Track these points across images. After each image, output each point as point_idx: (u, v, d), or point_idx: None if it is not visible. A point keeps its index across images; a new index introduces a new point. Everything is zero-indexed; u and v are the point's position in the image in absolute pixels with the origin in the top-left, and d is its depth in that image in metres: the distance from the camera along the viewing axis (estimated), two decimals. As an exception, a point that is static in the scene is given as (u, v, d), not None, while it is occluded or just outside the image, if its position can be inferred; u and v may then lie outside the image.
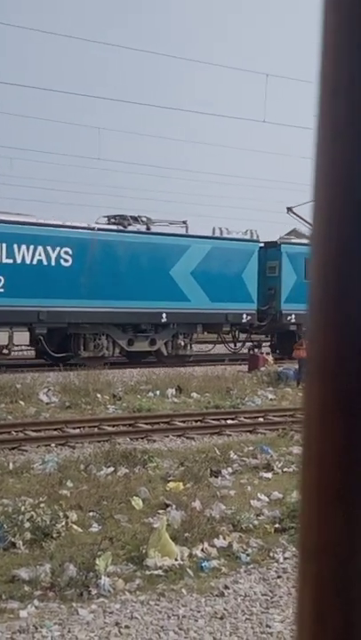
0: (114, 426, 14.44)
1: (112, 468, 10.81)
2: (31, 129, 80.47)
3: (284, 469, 11.40)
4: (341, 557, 0.56)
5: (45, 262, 22.74)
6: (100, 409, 16.60)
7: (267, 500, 9.70)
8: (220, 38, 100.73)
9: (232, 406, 17.23)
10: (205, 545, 7.82)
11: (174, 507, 8.92)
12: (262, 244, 28.22)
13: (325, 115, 0.58)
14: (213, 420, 15.44)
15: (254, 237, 28.30)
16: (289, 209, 30.38)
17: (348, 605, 0.56)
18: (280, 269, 27.99)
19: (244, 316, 26.94)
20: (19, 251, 22.29)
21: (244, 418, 15.77)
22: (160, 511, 8.90)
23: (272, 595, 6.78)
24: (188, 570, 7.23)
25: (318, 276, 0.58)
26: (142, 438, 13.61)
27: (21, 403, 16.65)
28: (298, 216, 30.10)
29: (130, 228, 24.90)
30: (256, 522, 8.62)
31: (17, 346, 23.59)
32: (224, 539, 8.01)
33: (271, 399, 19.05)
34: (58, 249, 22.91)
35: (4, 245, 22.08)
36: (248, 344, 28.97)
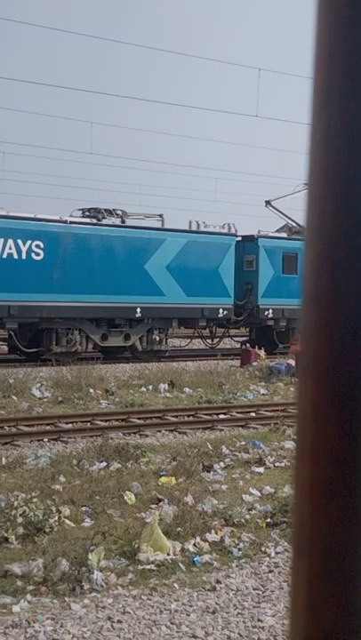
0: (106, 421, 14.45)
1: (105, 463, 10.82)
2: (23, 123, 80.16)
3: (276, 464, 11.43)
4: (335, 553, 0.56)
5: (16, 256, 22.30)
6: (92, 404, 16.60)
7: (259, 494, 9.72)
8: (213, 33, 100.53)
9: (224, 401, 17.25)
10: (197, 539, 7.83)
11: (167, 501, 8.93)
12: (239, 238, 27.86)
13: (319, 110, 0.58)
14: (206, 414, 15.46)
15: (232, 231, 27.93)
16: (267, 202, 29.95)
17: (341, 600, 0.56)
18: (257, 264, 27.73)
19: (221, 310, 26.65)
20: None
21: (237, 412, 15.80)
22: (152, 506, 8.92)
23: (264, 589, 6.80)
24: (180, 564, 7.25)
25: (312, 269, 0.58)
26: (135, 433, 13.62)
27: (14, 397, 16.63)
28: (276, 209, 29.97)
29: (104, 222, 24.64)
30: (248, 516, 8.64)
31: None
32: (216, 533, 8.03)
33: (263, 394, 19.08)
34: (29, 242, 22.47)
35: None
36: (243, 339, 29.00)
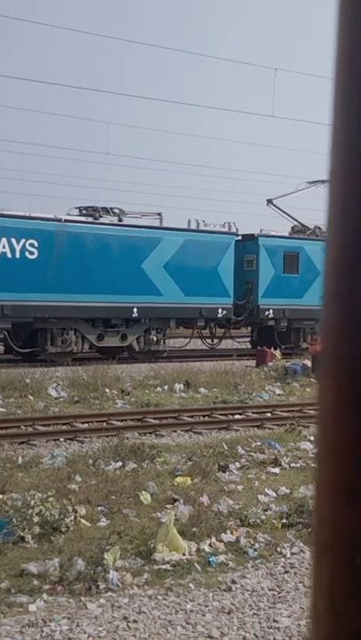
0: (122, 420, 14.47)
1: (120, 463, 10.83)
2: (40, 123, 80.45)
3: (292, 465, 11.40)
4: (355, 551, 0.55)
5: (9, 255, 22.00)
6: (108, 404, 16.63)
7: (274, 495, 9.70)
8: (229, 33, 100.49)
9: (240, 401, 17.22)
10: (213, 540, 7.82)
11: (182, 501, 8.93)
12: (239, 237, 27.41)
13: (341, 110, 0.58)
14: (221, 414, 15.44)
15: (232, 230, 27.51)
16: (269, 201, 29.58)
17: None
18: (258, 263, 27.31)
19: (220, 310, 26.22)
20: None
21: (252, 413, 15.77)
22: (168, 506, 8.92)
23: (279, 590, 6.78)
24: (195, 564, 7.24)
25: (333, 267, 0.57)
26: (150, 433, 13.63)
27: (30, 397, 16.69)
28: (278, 208, 29.72)
29: (101, 220, 24.33)
30: (264, 517, 8.62)
31: None
32: (232, 533, 8.02)
33: (279, 394, 19.04)
34: (23, 241, 22.18)
35: None
36: (246, 339, 28.79)
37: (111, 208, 25.25)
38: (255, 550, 7.69)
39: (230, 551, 7.66)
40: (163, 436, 13.51)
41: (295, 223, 30.20)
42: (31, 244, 22.38)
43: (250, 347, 29.06)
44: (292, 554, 7.64)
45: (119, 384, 18.36)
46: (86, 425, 13.93)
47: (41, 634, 5.69)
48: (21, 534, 7.60)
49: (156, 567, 7.12)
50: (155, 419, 14.68)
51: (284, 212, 29.68)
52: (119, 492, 9.25)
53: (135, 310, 24.20)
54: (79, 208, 24.89)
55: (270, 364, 23.15)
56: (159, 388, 18.51)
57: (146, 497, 9.17)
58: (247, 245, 27.37)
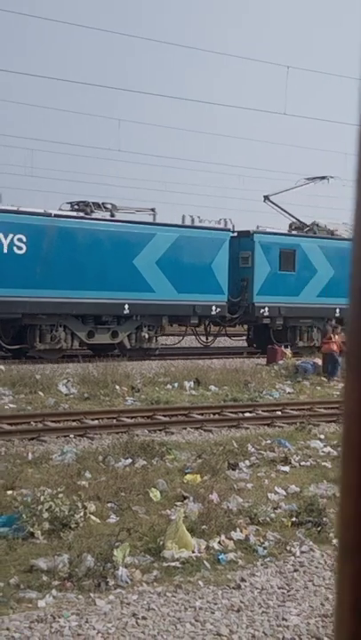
0: (132, 417, 14.47)
1: (130, 460, 10.84)
2: (51, 120, 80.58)
3: (302, 463, 11.38)
4: None
5: None
6: (118, 400, 16.64)
7: (284, 493, 9.69)
8: (241, 30, 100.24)
9: (250, 399, 17.21)
10: (222, 537, 7.82)
11: (192, 499, 8.93)
12: (235, 234, 27.02)
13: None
14: (231, 412, 15.43)
15: (228, 226, 26.98)
16: (266, 197, 29.15)
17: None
18: (253, 260, 26.80)
19: (214, 307, 25.72)
20: None
21: (262, 411, 15.75)
22: (177, 503, 8.92)
23: (289, 588, 6.77)
24: (204, 562, 7.24)
25: (360, 268, 0.56)
26: (160, 430, 13.63)
27: (41, 393, 16.73)
28: (275, 204, 29.28)
29: (93, 215, 24.00)
30: (273, 515, 8.61)
31: None
32: (241, 531, 8.02)
33: (289, 392, 19.01)
34: (11, 236, 21.79)
35: None
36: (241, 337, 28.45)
37: (103, 203, 24.84)
38: (265, 548, 7.68)
39: (240, 549, 7.66)
40: (173, 433, 13.51)
41: (294, 220, 29.86)
42: (19, 239, 21.94)
43: (246, 345, 28.86)
44: (302, 552, 7.63)
45: (129, 381, 18.37)
46: (96, 422, 13.95)
47: (50, 629, 5.70)
48: (31, 530, 7.62)
49: (165, 564, 7.12)
50: (165, 416, 14.68)
51: (281, 209, 29.32)
52: (129, 489, 9.26)
53: (126, 307, 23.81)
54: (71, 203, 24.56)
55: (281, 362, 23.11)
56: (169, 386, 18.52)
57: (155, 494, 9.17)
58: (243, 242, 26.94)
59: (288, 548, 7.74)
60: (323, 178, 30.06)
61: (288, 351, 24.80)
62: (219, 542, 7.72)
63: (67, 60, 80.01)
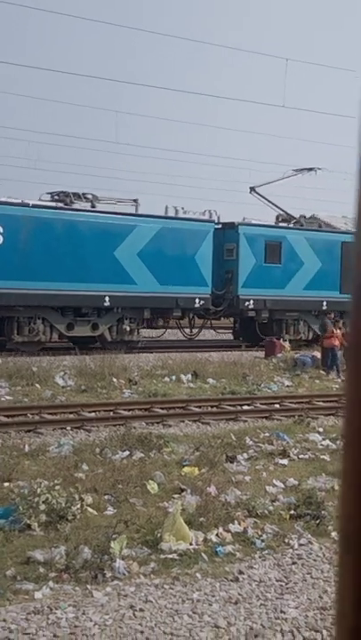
0: (129, 410, 14.46)
1: (127, 452, 10.83)
2: (48, 112, 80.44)
3: (300, 456, 11.38)
4: None
5: None
6: (115, 393, 16.63)
7: (282, 486, 9.68)
8: (240, 23, 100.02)
9: (248, 392, 17.20)
10: (220, 530, 7.81)
11: (189, 491, 8.92)
12: (219, 225, 26.52)
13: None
14: (229, 405, 15.42)
15: (213, 218, 26.48)
16: (252, 188, 28.64)
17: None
18: (238, 252, 26.26)
19: (197, 300, 25.23)
20: None
21: (260, 404, 15.74)
22: (175, 495, 8.91)
23: (287, 581, 6.76)
24: (202, 554, 7.23)
25: None
26: (158, 423, 13.62)
27: (37, 386, 16.71)
28: (261, 196, 28.66)
29: (74, 206, 23.61)
30: (271, 508, 8.60)
31: None
32: (239, 524, 8.00)
33: (288, 386, 19.01)
34: None
35: None
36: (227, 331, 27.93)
37: (84, 194, 24.45)
38: (263, 541, 7.67)
39: (238, 542, 7.64)
40: (170, 426, 13.50)
41: (282, 212, 29.29)
42: None
43: (232, 338, 28.50)
44: (300, 545, 7.62)
45: (127, 373, 18.36)
46: (93, 414, 13.93)
47: (47, 621, 5.69)
48: (28, 522, 7.60)
49: (162, 556, 7.10)
50: (162, 409, 14.66)
51: (268, 200, 28.89)
52: (126, 482, 9.24)
53: (107, 299, 23.34)
54: (51, 193, 24.09)
55: (279, 355, 23.11)
56: (167, 378, 18.51)
57: (153, 486, 9.16)
58: (227, 234, 26.44)
59: (286, 540, 7.73)
60: (310, 169, 29.76)
61: (287, 344, 24.77)
62: (217, 535, 7.70)
63: (68, 53, 79.80)
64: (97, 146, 76.31)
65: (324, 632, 5.81)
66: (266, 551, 7.46)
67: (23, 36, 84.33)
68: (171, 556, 7.12)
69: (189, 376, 18.76)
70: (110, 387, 17.02)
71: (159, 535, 7.40)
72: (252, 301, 26.30)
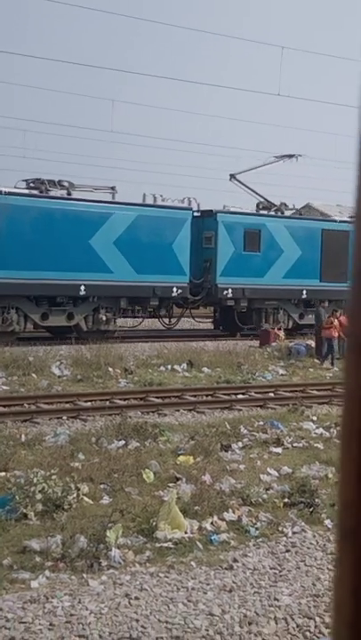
0: (125, 399, 14.49)
1: (123, 442, 10.86)
2: (44, 100, 79.96)
3: (294, 444, 11.43)
4: None
5: None
6: (111, 382, 16.66)
7: (276, 474, 9.73)
8: (235, 10, 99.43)
9: (243, 381, 17.24)
10: (215, 518, 7.86)
11: (184, 480, 8.96)
12: (198, 213, 26.24)
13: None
14: (224, 394, 15.46)
15: (192, 206, 26.20)
16: (232, 176, 28.27)
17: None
18: (216, 240, 25.91)
19: (175, 289, 24.88)
20: None
21: (255, 393, 15.79)
22: (170, 484, 8.95)
23: (281, 568, 6.82)
24: (197, 543, 7.28)
25: None
26: (153, 412, 13.66)
27: (34, 375, 16.72)
28: (241, 183, 28.25)
29: (50, 194, 23.29)
30: (265, 496, 8.65)
31: None
32: (233, 512, 8.05)
33: (282, 374, 19.05)
34: None
35: None
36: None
37: (59, 181, 23.98)
38: (257, 529, 7.72)
39: (232, 530, 7.69)
40: (165, 415, 13.53)
41: (262, 199, 28.98)
42: None
43: (212, 327, 28.34)
44: (294, 533, 7.67)
45: (122, 363, 18.38)
46: (89, 403, 13.96)
47: (43, 610, 5.73)
48: (24, 511, 7.63)
49: (157, 545, 7.15)
50: (158, 398, 14.70)
51: (248, 188, 28.53)
52: (122, 471, 9.28)
53: (82, 288, 22.99)
54: (26, 181, 23.60)
55: (274, 344, 23.14)
56: (162, 368, 18.54)
57: (148, 475, 9.20)
58: (206, 222, 26.11)
59: (280, 528, 7.78)
60: (291, 156, 29.45)
61: (281, 333, 24.77)
62: (211, 523, 7.75)
63: (65, 42, 79.26)
64: (93, 135, 75.89)
65: (318, 619, 5.87)
66: (260, 539, 7.51)
67: (20, 25, 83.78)
68: (166, 545, 7.16)
69: (184, 365, 18.79)
70: (106, 376, 17.05)
71: (154, 524, 7.44)
72: (230, 290, 25.97)
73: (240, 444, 11.29)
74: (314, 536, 7.61)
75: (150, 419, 12.96)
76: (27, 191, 23.04)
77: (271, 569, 6.80)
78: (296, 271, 27.36)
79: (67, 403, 13.99)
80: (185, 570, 6.65)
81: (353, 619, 0.54)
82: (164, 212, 25.07)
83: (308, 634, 5.71)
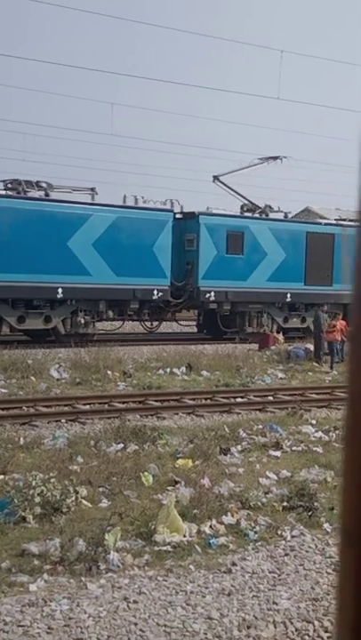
0: (124, 402, 14.48)
1: (122, 445, 10.85)
2: (43, 104, 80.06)
3: (293, 448, 11.42)
4: None
5: None
6: (110, 386, 16.64)
7: (275, 478, 9.72)
8: (235, 14, 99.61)
9: (242, 385, 17.23)
10: (214, 522, 7.85)
11: (183, 483, 8.95)
12: (180, 215, 25.83)
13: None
14: (223, 398, 15.45)
15: (175, 207, 25.81)
16: (215, 177, 27.85)
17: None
18: (198, 242, 25.46)
19: (155, 292, 24.51)
20: None
21: (254, 396, 15.78)
22: (169, 488, 8.94)
23: (279, 572, 6.81)
24: (196, 546, 7.27)
25: None
26: (152, 415, 13.64)
27: (32, 378, 16.71)
28: (225, 185, 27.87)
29: (28, 194, 22.97)
30: (264, 500, 8.64)
31: None
32: (232, 516, 8.04)
33: (281, 378, 19.05)
34: None
35: None
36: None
37: (37, 182, 23.61)
38: (256, 533, 7.71)
39: (231, 533, 7.68)
40: (164, 418, 13.52)
41: (247, 201, 28.61)
42: None
43: (196, 330, 27.99)
44: (293, 537, 7.66)
45: (121, 366, 18.37)
46: (88, 407, 13.94)
47: (41, 613, 5.72)
48: (23, 514, 7.62)
49: (156, 548, 7.14)
50: (157, 401, 14.69)
51: (232, 189, 28.18)
52: (120, 474, 9.27)
53: (60, 291, 22.57)
54: (3, 181, 23.24)
55: (273, 347, 23.14)
56: (161, 371, 18.53)
57: (147, 478, 9.19)
58: (188, 224, 25.67)
59: (279, 532, 7.78)
60: (276, 158, 29.13)
61: (280, 337, 24.74)
62: (210, 526, 7.74)
63: (65, 45, 79.36)
64: (93, 138, 75.89)
65: (316, 623, 5.86)
66: (259, 543, 7.50)
67: (21, 28, 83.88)
68: (165, 548, 7.15)
69: (183, 368, 18.78)
70: (105, 379, 17.03)
71: (153, 527, 7.44)
72: (213, 293, 25.56)
73: (239, 447, 11.29)
74: (313, 540, 7.61)
75: (149, 422, 12.95)
76: (3, 192, 22.70)
77: (270, 573, 6.79)
78: (280, 274, 27.01)
79: (65, 406, 13.97)
80: (184, 573, 6.65)
81: (356, 623, 0.54)
82: (144, 214, 24.71)
83: (306, 638, 5.71)
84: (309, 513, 8.23)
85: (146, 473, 9.36)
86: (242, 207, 28.59)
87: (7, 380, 16.42)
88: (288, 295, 27.11)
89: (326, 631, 5.76)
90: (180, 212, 26.12)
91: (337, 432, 12.33)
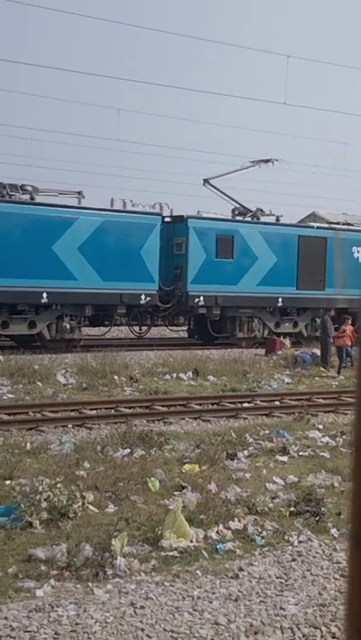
0: (130, 408, 14.47)
1: (128, 450, 10.84)
2: (49, 110, 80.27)
3: (300, 453, 11.39)
4: None
5: None
6: (116, 391, 16.64)
7: (282, 483, 9.70)
8: (241, 20, 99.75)
9: (248, 389, 17.21)
10: (220, 527, 7.83)
11: (190, 489, 8.94)
12: (168, 219, 25.46)
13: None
14: (230, 402, 15.43)
15: (164, 211, 25.44)
16: (206, 180, 27.49)
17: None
18: (187, 246, 25.04)
19: (143, 296, 24.10)
20: None
21: (261, 401, 15.75)
22: (176, 493, 8.93)
23: (286, 577, 6.79)
24: (203, 552, 7.25)
25: None
26: (159, 420, 13.63)
27: (39, 384, 16.72)
28: (215, 188, 27.51)
29: (12, 198, 22.37)
30: (271, 505, 8.62)
31: None
32: (239, 521, 8.02)
33: (288, 383, 19.02)
34: None
35: None
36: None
37: (22, 185, 23.39)
38: (263, 538, 7.69)
39: (238, 539, 7.67)
40: (171, 423, 13.51)
41: (238, 205, 28.16)
42: None
43: (187, 336, 27.66)
44: (300, 542, 7.64)
45: (128, 371, 18.36)
46: (94, 412, 13.94)
47: (48, 619, 5.71)
48: (29, 520, 7.62)
49: (163, 554, 7.13)
50: (163, 406, 14.68)
51: (223, 193, 27.83)
52: (127, 479, 9.26)
53: (45, 295, 22.16)
54: None
55: (280, 352, 23.11)
56: (168, 376, 18.52)
57: (154, 484, 9.18)
58: (177, 228, 25.28)
59: (286, 537, 7.75)
60: (267, 161, 28.65)
61: (287, 342, 24.69)
62: (217, 532, 7.73)
63: (69, 51, 79.60)
64: (99, 144, 75.94)
65: (324, 629, 5.84)
66: (266, 548, 7.48)
67: (24, 34, 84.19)
68: (171, 554, 7.14)
69: (190, 373, 18.77)
70: (111, 384, 17.04)
71: (160, 532, 7.42)
72: (202, 298, 25.14)
73: (246, 452, 11.27)
74: (320, 545, 7.58)
75: (156, 427, 12.94)
76: None
77: (277, 578, 6.77)
78: (271, 278, 26.64)
79: (72, 411, 13.98)
80: (190, 579, 6.63)
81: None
82: (131, 218, 24.37)
83: (314, 644, 5.68)
84: (317, 518, 8.21)
85: (152, 478, 9.35)
86: (233, 211, 28.25)
87: (14, 386, 16.44)
88: (280, 300, 26.76)
89: (334, 637, 5.73)
90: (169, 216, 25.81)
91: (344, 437, 12.29)
